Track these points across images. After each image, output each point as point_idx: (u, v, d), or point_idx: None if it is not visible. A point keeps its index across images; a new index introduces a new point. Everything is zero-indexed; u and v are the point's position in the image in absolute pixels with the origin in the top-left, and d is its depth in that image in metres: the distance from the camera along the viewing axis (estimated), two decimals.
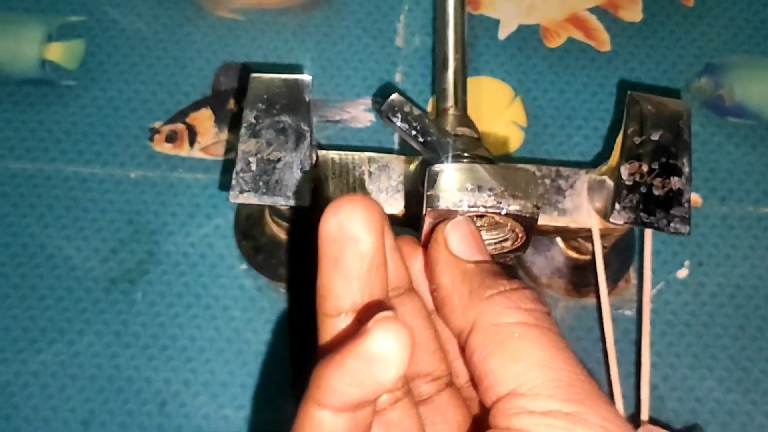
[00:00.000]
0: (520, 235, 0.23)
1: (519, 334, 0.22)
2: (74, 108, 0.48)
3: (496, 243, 0.24)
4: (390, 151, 0.46)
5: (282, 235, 0.43)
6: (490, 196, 0.22)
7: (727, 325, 0.45)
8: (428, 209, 0.22)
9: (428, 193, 0.22)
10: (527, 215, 0.22)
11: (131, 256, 0.45)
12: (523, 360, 0.21)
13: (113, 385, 0.42)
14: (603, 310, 0.38)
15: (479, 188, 0.22)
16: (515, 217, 0.22)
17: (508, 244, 0.24)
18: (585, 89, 0.49)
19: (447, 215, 0.22)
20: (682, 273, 0.46)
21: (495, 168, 0.22)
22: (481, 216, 0.23)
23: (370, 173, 0.38)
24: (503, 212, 0.22)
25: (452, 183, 0.22)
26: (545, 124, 0.48)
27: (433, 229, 0.23)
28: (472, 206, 0.22)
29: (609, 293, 0.41)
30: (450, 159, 0.23)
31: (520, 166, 0.22)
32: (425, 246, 0.26)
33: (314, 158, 0.35)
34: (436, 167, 0.22)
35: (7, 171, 0.46)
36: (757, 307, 0.45)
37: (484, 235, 0.24)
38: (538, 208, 0.22)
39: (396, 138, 0.48)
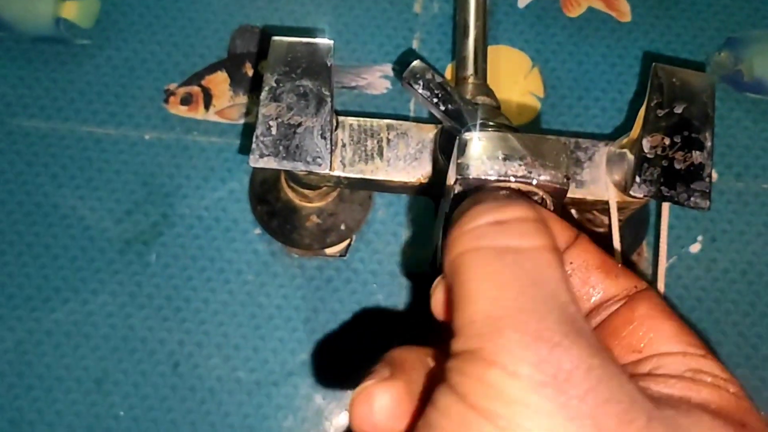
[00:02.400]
0: (548, 205, 0.23)
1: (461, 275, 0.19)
2: (88, 67, 0.47)
3: None
4: (406, 118, 0.46)
5: (297, 200, 0.43)
6: (520, 165, 0.22)
7: (738, 301, 0.45)
8: (458, 178, 0.22)
9: (458, 162, 0.22)
10: (558, 185, 0.22)
11: (145, 218, 0.45)
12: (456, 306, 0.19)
13: (127, 346, 0.43)
14: None
15: (510, 157, 0.22)
16: (546, 187, 0.22)
17: None
18: (604, 60, 0.49)
19: (476, 184, 0.22)
20: (695, 248, 0.46)
21: (525, 137, 0.22)
22: (508, 187, 0.23)
23: (389, 140, 0.38)
24: (534, 182, 0.22)
25: (482, 151, 0.22)
26: (562, 95, 0.48)
27: (459, 198, 0.23)
28: (503, 175, 0.22)
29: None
30: (477, 127, 0.23)
31: (549, 136, 0.22)
32: (448, 221, 0.26)
33: (335, 124, 0.35)
34: (466, 135, 0.22)
35: (20, 129, 0.46)
36: None
37: None
38: (569, 178, 0.22)
39: (412, 106, 0.47)
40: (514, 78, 0.49)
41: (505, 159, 0.22)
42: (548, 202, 0.23)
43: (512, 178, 0.22)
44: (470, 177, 0.22)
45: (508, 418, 0.16)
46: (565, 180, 0.22)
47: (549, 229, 0.20)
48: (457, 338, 0.18)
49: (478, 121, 0.27)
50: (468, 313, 0.18)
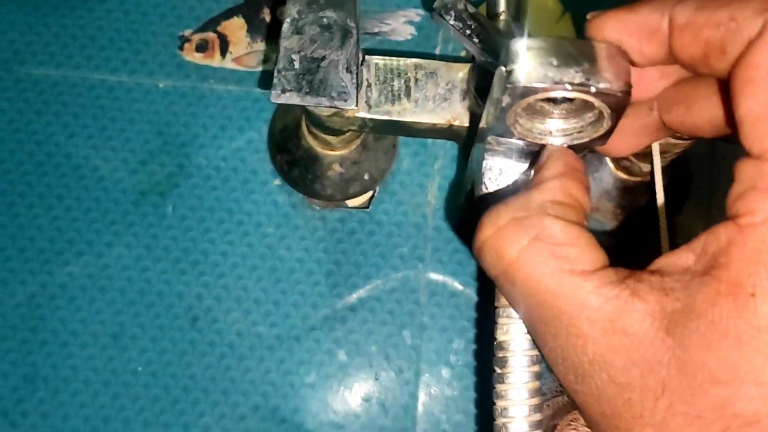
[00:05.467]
0: (606, 119, 0.21)
1: None
2: (100, 13, 0.45)
3: (575, 132, 0.22)
4: None
5: (318, 148, 0.41)
6: (577, 72, 0.20)
7: None
8: (507, 87, 0.20)
9: (508, 69, 0.20)
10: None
11: (161, 168, 0.43)
12: None
13: (144, 299, 0.41)
14: (661, 230, 0.35)
15: (565, 64, 0.20)
16: (605, 96, 0.20)
17: (588, 132, 0.22)
18: None
19: (527, 94, 0.20)
20: None
21: (582, 42, 0.20)
22: (558, 101, 0.21)
23: (416, 80, 0.36)
24: (593, 90, 0.20)
25: (535, 58, 0.20)
26: None
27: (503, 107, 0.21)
28: (558, 83, 0.20)
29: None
30: (525, 37, 0.21)
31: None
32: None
33: (361, 58, 0.33)
34: (515, 42, 0.20)
35: (30, 77, 0.44)
36: None
37: (561, 123, 0.22)
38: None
39: (438, 51, 0.45)
40: (545, 25, 0.46)
41: (559, 66, 0.20)
42: (605, 116, 0.21)
43: (568, 86, 0.20)
44: (520, 85, 0.20)
45: None
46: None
47: None
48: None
49: (525, 32, 0.25)
50: None
